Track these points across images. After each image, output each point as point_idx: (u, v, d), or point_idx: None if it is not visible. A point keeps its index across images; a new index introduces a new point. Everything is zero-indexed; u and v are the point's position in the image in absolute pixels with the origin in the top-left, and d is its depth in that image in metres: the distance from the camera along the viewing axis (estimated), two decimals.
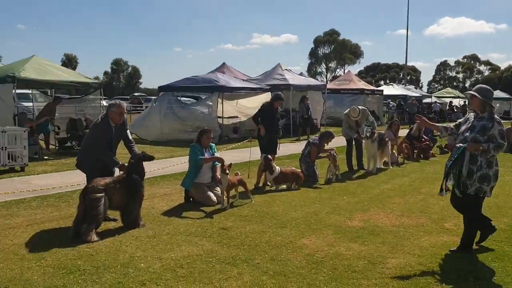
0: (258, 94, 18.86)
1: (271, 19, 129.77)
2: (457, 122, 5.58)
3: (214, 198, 7.40)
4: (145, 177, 6.30)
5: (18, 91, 12.59)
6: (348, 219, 6.55)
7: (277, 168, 8.57)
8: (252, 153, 10.02)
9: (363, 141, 10.96)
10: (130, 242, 5.42)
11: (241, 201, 7.50)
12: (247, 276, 4.47)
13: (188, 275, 4.49)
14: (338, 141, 12.02)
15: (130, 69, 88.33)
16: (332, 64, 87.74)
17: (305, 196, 8.03)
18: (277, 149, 9.43)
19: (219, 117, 17.47)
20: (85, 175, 6.34)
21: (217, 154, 7.85)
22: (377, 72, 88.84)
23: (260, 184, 8.92)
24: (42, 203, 7.40)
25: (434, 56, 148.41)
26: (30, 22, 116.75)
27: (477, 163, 5.04)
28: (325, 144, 9.71)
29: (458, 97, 39.24)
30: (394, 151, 12.28)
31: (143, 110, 27.15)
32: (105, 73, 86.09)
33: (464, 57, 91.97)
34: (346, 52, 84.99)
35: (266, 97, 17.57)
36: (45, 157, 12.39)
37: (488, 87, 5.27)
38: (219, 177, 7.22)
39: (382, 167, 11.27)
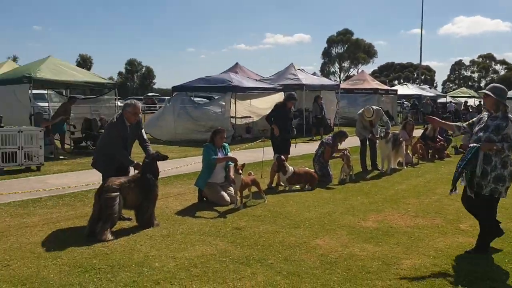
0: (271, 94, 18.86)
1: (284, 19, 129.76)
2: (470, 121, 5.52)
3: (228, 198, 7.42)
4: (159, 176, 6.34)
5: (34, 91, 12.73)
6: (362, 220, 6.52)
7: (290, 169, 8.56)
8: (265, 153, 10.02)
9: (377, 141, 10.89)
10: (145, 241, 5.45)
11: (254, 201, 7.50)
12: (260, 276, 4.47)
13: (202, 274, 4.51)
14: (352, 141, 11.98)
15: (144, 69, 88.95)
16: (346, 64, 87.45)
17: (319, 197, 8.01)
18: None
19: (232, 117, 17.50)
20: (100, 174, 6.40)
21: (230, 154, 7.87)
22: (391, 72, 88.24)
23: (273, 184, 8.92)
24: (57, 202, 7.49)
25: (449, 55, 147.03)
26: (46, 23, 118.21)
27: (492, 163, 4.98)
28: (339, 144, 9.67)
29: (473, 97, 38.81)
30: (408, 151, 12.18)
31: (156, 110, 27.30)
32: (119, 73, 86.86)
33: (480, 56, 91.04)
34: (360, 51, 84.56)
35: (279, 97, 17.57)
36: (61, 157, 12.54)
37: (502, 86, 5.20)
38: (233, 177, 7.24)
39: (397, 167, 11.19)
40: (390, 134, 10.77)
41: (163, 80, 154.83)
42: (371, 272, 4.61)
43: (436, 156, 13.22)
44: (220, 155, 7.63)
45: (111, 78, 35.15)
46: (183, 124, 17.48)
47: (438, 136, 13.46)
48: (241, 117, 18.45)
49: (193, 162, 10.29)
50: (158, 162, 6.26)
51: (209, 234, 5.78)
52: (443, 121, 6.07)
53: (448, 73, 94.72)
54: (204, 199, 7.62)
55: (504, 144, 4.89)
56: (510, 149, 4.89)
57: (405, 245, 5.45)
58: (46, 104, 16.15)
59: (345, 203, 7.57)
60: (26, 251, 5.13)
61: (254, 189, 7.66)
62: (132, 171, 6.41)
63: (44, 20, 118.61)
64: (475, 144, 5.04)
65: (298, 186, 8.67)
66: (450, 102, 36.23)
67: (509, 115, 5.07)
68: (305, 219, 6.49)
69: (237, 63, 24.12)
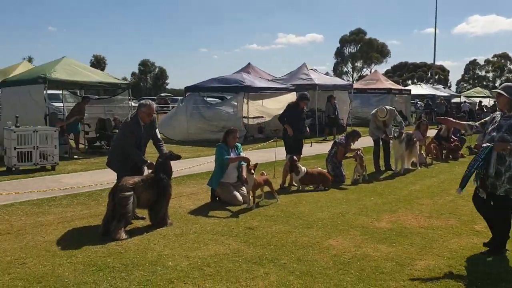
0: (283, 94, 18.84)
1: (296, 19, 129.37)
2: (482, 121, 5.47)
3: (240, 198, 7.43)
4: (172, 176, 6.37)
5: (48, 91, 12.86)
6: (376, 220, 6.48)
7: (303, 169, 8.54)
8: (278, 153, 10.02)
9: (391, 141, 10.83)
10: (158, 240, 5.49)
11: (266, 201, 7.51)
12: (273, 276, 4.47)
13: (215, 274, 4.52)
14: (365, 142, 11.92)
15: (157, 70, 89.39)
16: (358, 64, 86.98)
17: (332, 197, 7.99)
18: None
19: (244, 117, 17.52)
20: (114, 173, 6.46)
21: (243, 154, 7.88)
22: (405, 72, 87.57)
23: (286, 184, 8.91)
24: (72, 201, 7.56)
25: (463, 55, 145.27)
26: (60, 24, 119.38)
27: (506, 163, 4.92)
28: (352, 144, 9.62)
29: (488, 96, 38.36)
30: (422, 152, 12.09)
31: (169, 110, 27.43)
32: (133, 73, 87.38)
33: (495, 55, 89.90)
34: (373, 51, 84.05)
35: (291, 97, 17.55)
36: (75, 156, 12.67)
37: None
38: (245, 177, 7.25)
39: (410, 167, 11.11)
40: (403, 134, 10.70)
41: (176, 81, 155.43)
42: (384, 272, 4.59)
43: (450, 156, 13.12)
44: (232, 155, 7.64)
45: (124, 79, 35.41)
46: (195, 124, 17.55)
47: (452, 136, 13.34)
48: (253, 117, 18.46)
49: (206, 162, 10.33)
50: (171, 161, 6.29)
51: (222, 234, 5.79)
52: (454, 121, 6.02)
53: (462, 72, 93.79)
54: (217, 198, 7.65)
55: None
56: None
57: (419, 246, 5.41)
58: (61, 104, 16.31)
59: (358, 203, 7.53)
60: (42, 249, 5.19)
61: (266, 189, 7.67)
62: (146, 171, 6.46)
63: (58, 21, 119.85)
64: (488, 144, 4.99)
65: (311, 186, 8.64)
66: (465, 102, 35.87)
67: None
68: (318, 219, 6.47)
69: (249, 63, 24.14)
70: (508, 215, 5.18)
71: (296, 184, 8.78)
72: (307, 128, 9.52)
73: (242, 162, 7.53)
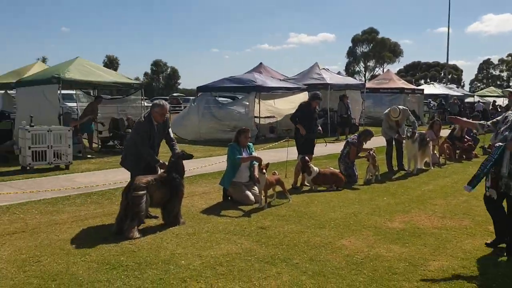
0: (295, 94, 18.80)
1: (308, 18, 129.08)
2: (494, 120, 5.42)
3: (252, 197, 7.43)
4: (185, 175, 6.40)
5: (62, 91, 12.98)
6: (388, 221, 6.45)
7: (315, 169, 8.52)
8: (289, 153, 10.00)
9: (404, 141, 10.76)
10: (171, 239, 5.51)
11: (278, 201, 7.51)
12: (286, 275, 4.47)
13: (228, 273, 4.53)
14: (378, 141, 11.87)
15: (169, 70, 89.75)
16: (371, 63, 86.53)
17: (344, 197, 7.96)
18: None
19: (255, 116, 17.53)
20: (127, 173, 6.51)
21: (254, 154, 7.88)
22: (417, 71, 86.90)
23: (298, 184, 8.90)
24: (86, 200, 7.63)
25: (476, 54, 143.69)
26: (73, 24, 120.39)
27: None
28: (364, 143, 9.57)
29: (502, 96, 37.91)
30: (435, 152, 12.00)
31: (181, 110, 27.55)
32: (145, 74, 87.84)
33: (509, 55, 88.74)
34: (385, 50, 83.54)
35: (303, 96, 17.52)
36: (88, 156, 12.78)
37: None
38: (257, 176, 7.25)
39: (423, 167, 11.03)
40: (416, 134, 10.63)
41: (188, 81, 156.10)
42: (397, 273, 4.56)
43: (464, 156, 13.00)
44: (244, 155, 7.65)
45: (137, 79, 35.65)
46: (207, 123, 17.60)
47: (466, 136, 13.21)
48: (265, 117, 18.46)
49: (218, 162, 10.35)
50: (183, 161, 6.32)
51: (234, 233, 5.81)
52: (466, 120, 5.98)
53: (476, 72, 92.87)
54: (229, 198, 7.66)
55: None
56: None
57: (433, 246, 5.37)
58: (75, 104, 16.47)
59: (371, 203, 7.50)
60: (56, 247, 5.25)
61: (278, 188, 7.66)
62: (160, 170, 6.49)
63: (71, 21, 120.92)
64: (500, 144, 4.94)
65: (324, 186, 8.61)
66: (478, 101, 35.50)
67: None
68: (330, 219, 6.46)
69: (261, 63, 24.15)
70: None
71: (308, 184, 8.77)
72: (320, 127, 9.48)
73: (254, 162, 7.53)
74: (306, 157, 8.58)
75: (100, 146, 14.42)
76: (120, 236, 5.53)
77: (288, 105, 17.74)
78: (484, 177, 5.10)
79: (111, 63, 79.31)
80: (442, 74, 71.13)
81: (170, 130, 6.76)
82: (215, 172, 9.93)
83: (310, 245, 5.37)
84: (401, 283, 4.34)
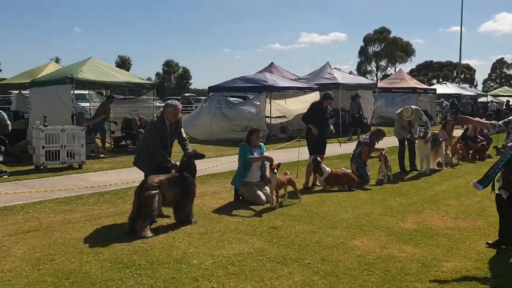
0: (306, 94, 18.76)
1: (319, 18, 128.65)
2: (506, 120, 5.36)
3: (263, 197, 7.44)
4: (196, 175, 6.42)
5: (75, 91, 13.09)
6: (401, 221, 6.41)
7: (327, 169, 8.49)
8: (301, 153, 9.99)
9: (416, 141, 10.69)
10: (183, 239, 5.54)
11: (290, 201, 7.50)
12: (297, 275, 4.47)
13: (240, 272, 4.54)
14: (390, 141, 11.80)
15: (180, 70, 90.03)
16: (383, 63, 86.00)
17: (356, 197, 7.93)
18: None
19: (267, 116, 17.52)
20: (140, 172, 6.56)
21: (266, 154, 7.88)
22: (430, 71, 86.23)
23: (309, 184, 8.88)
24: (99, 199, 7.69)
25: (489, 53, 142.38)
26: (86, 25, 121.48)
27: None
28: (376, 143, 9.52)
29: None
30: (448, 152, 11.91)
31: (193, 110, 27.64)
32: (157, 74, 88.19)
33: None
34: (397, 50, 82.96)
35: (315, 96, 17.47)
36: (101, 155, 12.88)
37: None
38: (268, 176, 7.25)
39: (436, 168, 10.95)
40: (429, 134, 10.55)
41: (199, 81, 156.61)
42: (410, 274, 4.54)
43: (477, 156, 12.88)
44: (256, 155, 7.65)
45: (149, 79, 35.80)
46: (218, 123, 17.63)
47: (479, 136, 13.09)
48: (276, 117, 18.45)
49: (229, 161, 10.38)
50: (195, 160, 6.35)
51: (246, 233, 5.82)
52: (476, 120, 5.93)
53: (489, 71, 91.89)
54: (240, 198, 7.67)
55: None
56: None
57: (445, 247, 5.33)
58: (87, 104, 16.60)
59: (383, 204, 7.46)
60: (69, 246, 5.30)
61: (289, 188, 7.66)
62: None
63: (84, 22, 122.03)
64: None
65: (336, 187, 8.57)
66: (492, 101, 35.12)
67: None
68: (342, 220, 6.44)
69: (272, 63, 24.14)
70: None
71: (319, 184, 8.75)
72: (332, 127, 9.45)
73: (265, 162, 7.53)
74: (318, 158, 8.56)
75: (112, 145, 14.52)
76: (133, 235, 5.57)
77: (299, 105, 17.71)
78: (497, 177, 5.06)
79: (123, 63, 79.76)
80: (455, 73, 70.42)
81: (182, 130, 6.81)
82: (226, 172, 9.96)
83: (322, 245, 5.36)
84: (414, 284, 4.32)
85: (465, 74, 76.20)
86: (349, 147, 11.25)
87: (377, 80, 52.88)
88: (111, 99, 14.48)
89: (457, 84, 39.37)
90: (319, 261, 4.84)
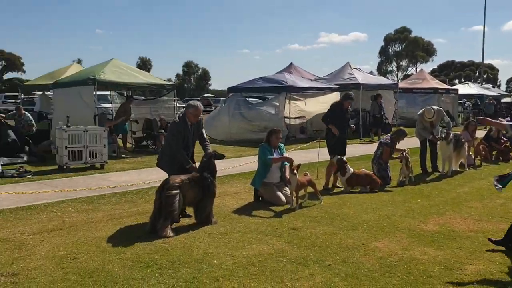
0: (326, 94, 18.68)
1: (339, 18, 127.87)
2: None
3: (283, 198, 7.43)
4: (216, 175, 6.45)
5: (98, 92, 13.26)
6: (423, 223, 6.34)
7: (351, 170, 8.44)
8: (321, 153, 9.95)
9: (438, 142, 10.55)
10: (203, 239, 5.57)
11: (310, 202, 7.48)
12: (318, 277, 4.45)
13: (260, 273, 4.55)
14: (411, 142, 11.68)
15: (200, 71, 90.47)
16: (404, 63, 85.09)
17: (377, 199, 7.86)
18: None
19: (286, 117, 17.49)
20: (161, 172, 6.62)
21: (285, 154, 7.87)
22: (452, 71, 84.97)
23: (329, 185, 8.84)
24: (120, 199, 7.79)
25: None
26: (107, 27, 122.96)
27: None
28: (397, 143, 9.41)
29: None
30: (470, 153, 11.72)
31: (212, 110, 27.76)
32: (177, 75, 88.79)
33: None
34: (418, 50, 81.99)
35: (335, 96, 17.39)
36: (123, 156, 13.03)
37: None
38: (288, 177, 7.24)
39: (458, 169, 10.80)
40: (451, 135, 10.41)
41: (219, 81, 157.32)
42: (432, 276, 4.48)
43: (500, 158, 12.65)
44: (275, 155, 7.65)
45: (169, 80, 36.10)
46: (237, 124, 17.68)
47: (503, 137, 12.85)
48: (295, 117, 18.41)
49: (248, 162, 10.40)
50: (215, 161, 6.38)
51: (266, 234, 5.82)
52: (494, 121, 5.83)
53: None
54: (260, 198, 7.67)
55: None
56: None
57: (469, 249, 5.25)
58: (109, 105, 16.80)
59: (404, 205, 7.39)
60: (92, 245, 5.37)
61: (309, 189, 7.63)
62: None
63: (105, 24, 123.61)
64: None
65: (359, 188, 8.51)
66: None
67: None
68: (363, 221, 6.39)
69: (291, 63, 24.09)
70: None
71: (339, 186, 8.70)
72: (353, 125, 9.39)
73: (285, 163, 7.52)
74: (344, 158, 8.51)
75: (134, 146, 14.69)
76: (154, 234, 5.62)
77: (318, 105, 17.65)
78: None
79: (144, 65, 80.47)
80: (477, 73, 69.40)
81: (203, 130, 6.85)
82: (246, 172, 9.98)
83: (343, 247, 5.33)
84: (436, 286, 4.27)
85: (488, 74, 74.99)
86: (370, 148, 11.18)
87: (398, 80, 52.32)
88: (130, 99, 14.64)
89: (480, 84, 38.82)
90: (340, 263, 4.82)
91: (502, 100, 34.71)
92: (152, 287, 4.25)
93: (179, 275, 4.48)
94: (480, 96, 31.54)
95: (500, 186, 4.94)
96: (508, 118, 19.43)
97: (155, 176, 8.73)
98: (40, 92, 19.89)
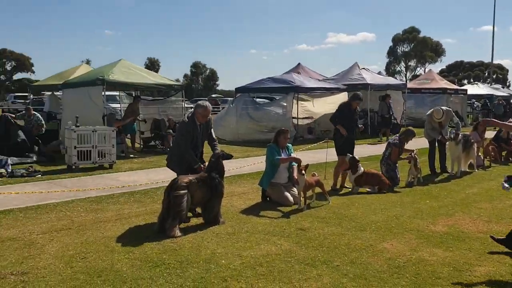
0: (334, 94, 18.63)
1: (347, 18, 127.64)
2: None
3: (291, 199, 7.42)
4: (224, 175, 6.46)
5: (106, 93, 13.31)
6: (431, 224, 6.30)
7: (361, 169, 8.42)
8: (329, 154, 9.92)
9: (447, 143, 10.49)
10: (211, 238, 5.58)
11: (318, 203, 7.46)
12: (326, 277, 4.44)
13: (268, 273, 4.54)
14: (420, 143, 11.63)
15: (208, 71, 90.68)
16: (412, 63, 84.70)
17: (385, 199, 7.83)
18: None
19: (293, 117, 17.47)
20: (169, 172, 6.64)
21: (293, 155, 7.86)
22: (460, 71, 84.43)
23: (337, 186, 8.81)
24: (129, 198, 7.82)
25: None
26: (116, 28, 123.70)
27: None
28: (405, 143, 9.35)
29: None
30: (480, 154, 11.64)
31: (219, 111, 27.80)
32: (185, 75, 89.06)
33: None
34: (427, 50, 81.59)
35: (343, 97, 17.34)
36: (131, 155, 13.08)
37: None
38: (296, 177, 7.22)
39: (467, 170, 10.73)
40: (460, 136, 10.34)
41: (227, 82, 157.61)
42: (441, 278, 4.46)
43: (510, 158, 12.56)
44: (283, 156, 7.64)
45: (177, 80, 36.20)
46: (245, 124, 17.68)
47: None
48: (303, 118, 18.38)
49: (256, 162, 10.40)
50: (223, 161, 6.39)
51: (274, 234, 5.81)
52: (502, 122, 5.78)
53: None
54: (268, 198, 7.67)
55: None
56: None
57: (478, 251, 5.22)
58: (118, 105, 16.87)
59: (413, 206, 7.35)
60: (101, 244, 5.40)
61: (317, 190, 7.62)
62: None
63: (114, 25, 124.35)
64: None
65: (368, 189, 8.48)
66: None
67: None
68: (371, 222, 6.37)
69: (299, 64, 24.08)
70: None
71: (348, 186, 8.68)
72: (361, 125, 9.35)
73: (293, 163, 7.51)
74: (357, 157, 8.49)
75: (142, 146, 14.74)
76: (162, 234, 5.64)
77: (326, 106, 17.60)
78: None
79: (152, 65, 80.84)
80: (486, 73, 68.84)
81: (212, 130, 6.88)
82: (253, 172, 9.98)
83: (351, 247, 5.31)
84: None
85: (497, 74, 74.41)
86: (379, 149, 11.14)
87: (406, 81, 52.13)
88: (137, 99, 14.70)
89: (489, 85, 38.50)
90: (348, 264, 4.80)
91: None
92: (161, 287, 4.26)
93: (187, 275, 4.49)
94: (490, 97, 31.34)
95: (507, 186, 4.90)
96: None
97: (163, 176, 8.76)
98: (50, 93, 20.03)
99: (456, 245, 5.41)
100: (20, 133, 12.21)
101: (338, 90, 18.97)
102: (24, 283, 4.33)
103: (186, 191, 5.81)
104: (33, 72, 75.11)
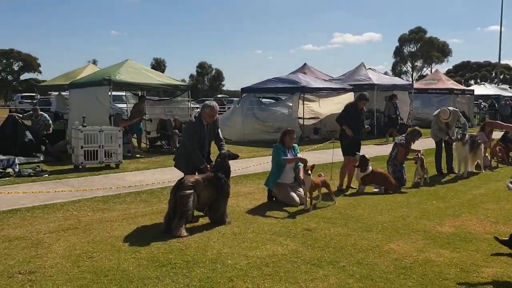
0: (340, 94, 18.58)
1: (353, 18, 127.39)
2: None
3: (297, 199, 7.41)
4: (230, 175, 6.46)
5: (113, 93, 13.36)
6: (438, 225, 6.28)
7: (370, 168, 8.39)
8: (335, 154, 9.91)
9: (454, 143, 10.44)
10: (217, 238, 5.59)
11: (324, 203, 7.45)
12: (333, 278, 4.44)
13: (274, 274, 4.54)
14: (427, 143, 11.58)
15: (213, 71, 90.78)
16: (418, 63, 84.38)
17: (392, 200, 7.81)
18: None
19: (299, 117, 17.45)
20: (175, 172, 6.66)
21: (299, 155, 7.86)
22: (467, 71, 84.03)
23: (343, 186, 8.79)
24: (135, 198, 7.84)
25: None
26: (122, 28, 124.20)
27: None
28: (412, 143, 9.31)
29: None
30: (487, 154, 11.58)
31: (225, 111, 27.83)
32: (191, 75, 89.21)
33: None
34: (433, 50, 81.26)
35: (349, 97, 17.31)
36: (137, 155, 13.11)
37: None
38: (302, 178, 7.22)
39: (474, 171, 10.67)
40: (467, 136, 10.29)
41: (232, 82, 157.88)
42: (448, 279, 4.44)
43: None
44: (289, 156, 7.64)
45: (183, 80, 36.26)
46: (251, 124, 17.67)
47: None
48: (309, 118, 18.36)
49: (262, 162, 10.40)
50: (229, 161, 6.40)
51: (280, 234, 5.81)
52: (505, 124, 5.75)
53: None
54: (274, 199, 7.67)
55: None
56: None
57: (485, 252, 5.19)
58: (124, 105, 16.92)
59: (419, 207, 7.33)
60: (107, 244, 5.42)
61: (323, 190, 7.61)
62: None
63: (120, 25, 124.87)
64: None
65: (375, 189, 8.46)
66: None
67: None
68: (377, 223, 6.36)
69: (305, 64, 24.04)
70: None
71: (354, 187, 8.66)
72: (368, 126, 9.33)
73: (299, 163, 7.50)
74: (367, 156, 8.48)
75: (148, 146, 14.78)
76: (169, 234, 5.65)
77: (332, 106, 17.56)
78: None
79: (158, 65, 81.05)
80: (494, 74, 68.45)
81: (219, 130, 6.89)
82: (259, 172, 9.98)
83: (357, 248, 5.30)
84: None
85: (505, 74, 73.89)
86: (385, 149, 11.10)
87: (412, 81, 51.96)
88: (143, 99, 14.74)
89: (496, 85, 38.26)
90: (354, 264, 4.79)
91: None
92: (167, 286, 4.27)
93: (193, 275, 4.50)
94: (497, 97, 31.12)
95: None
96: None
97: (169, 175, 8.78)
98: (56, 93, 20.12)
99: (463, 246, 5.39)
100: (27, 133, 12.28)
101: (344, 90, 18.92)
102: (32, 282, 4.35)
103: (192, 191, 5.82)
104: (40, 72, 75.63)
